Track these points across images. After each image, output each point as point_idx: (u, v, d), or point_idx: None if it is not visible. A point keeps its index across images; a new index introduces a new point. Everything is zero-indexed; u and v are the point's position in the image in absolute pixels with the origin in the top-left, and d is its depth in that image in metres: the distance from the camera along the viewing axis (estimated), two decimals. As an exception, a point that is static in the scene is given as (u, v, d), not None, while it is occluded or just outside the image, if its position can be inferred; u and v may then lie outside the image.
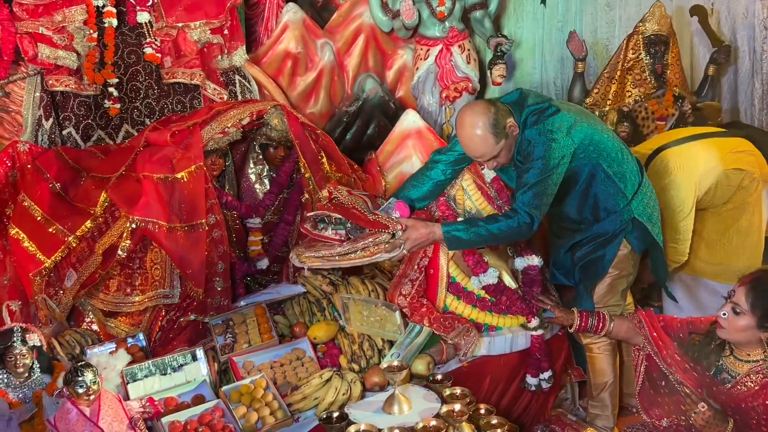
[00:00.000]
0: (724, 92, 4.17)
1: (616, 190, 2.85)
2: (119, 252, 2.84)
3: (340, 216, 2.72)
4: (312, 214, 2.75)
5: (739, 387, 2.33)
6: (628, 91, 3.83)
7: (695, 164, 3.21)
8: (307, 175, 3.20)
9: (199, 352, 2.72)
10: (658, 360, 2.49)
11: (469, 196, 3.14)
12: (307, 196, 3.20)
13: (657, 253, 3.03)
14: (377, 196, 2.95)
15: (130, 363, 2.66)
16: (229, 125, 3.03)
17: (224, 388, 2.61)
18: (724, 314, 2.33)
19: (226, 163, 3.21)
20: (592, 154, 2.78)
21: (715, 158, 3.23)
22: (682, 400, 2.30)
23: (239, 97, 3.77)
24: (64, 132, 3.43)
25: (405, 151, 3.80)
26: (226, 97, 3.68)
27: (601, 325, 2.74)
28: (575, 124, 2.72)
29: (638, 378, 2.61)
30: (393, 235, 2.68)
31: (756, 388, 2.28)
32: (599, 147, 2.79)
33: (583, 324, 2.77)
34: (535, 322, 2.92)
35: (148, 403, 2.50)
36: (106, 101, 3.50)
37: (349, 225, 2.73)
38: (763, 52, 3.97)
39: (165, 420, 2.45)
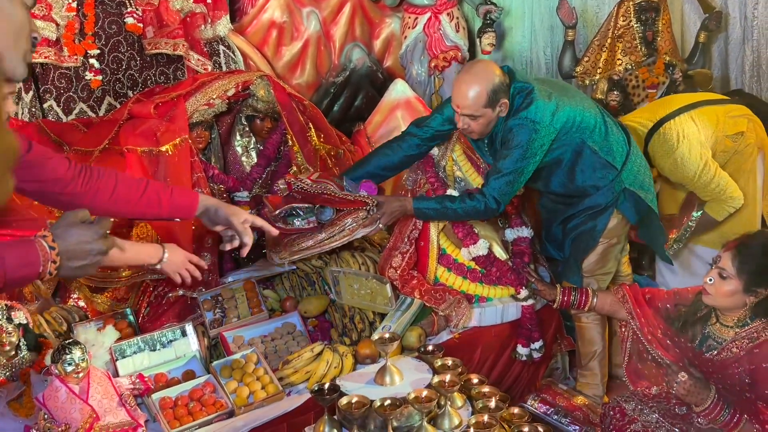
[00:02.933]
0: (715, 59, 4.14)
1: (603, 164, 2.84)
2: (104, 227, 2.80)
3: (307, 205, 2.77)
4: (279, 210, 2.77)
5: (725, 353, 2.35)
6: (618, 59, 3.79)
7: (695, 133, 3.18)
8: (295, 148, 3.15)
9: (189, 328, 2.70)
10: (640, 335, 2.51)
11: (460, 166, 3.12)
12: (294, 168, 3.15)
13: (652, 219, 3.03)
14: (336, 177, 2.97)
15: (119, 339, 2.63)
16: (214, 97, 2.97)
17: (214, 363, 2.59)
18: (711, 280, 2.34)
19: (212, 136, 3.15)
20: (575, 135, 2.77)
21: (712, 125, 3.21)
22: (666, 371, 2.32)
23: (224, 68, 3.71)
24: (45, 105, 3.35)
25: (394, 122, 3.76)
26: (210, 68, 3.62)
27: (584, 300, 2.74)
28: (557, 110, 2.70)
29: (625, 352, 2.62)
30: (368, 212, 2.74)
31: (741, 353, 2.30)
32: (582, 126, 2.78)
33: (565, 299, 2.78)
34: (525, 292, 2.93)
35: (137, 380, 2.48)
36: (87, 73, 3.42)
37: (317, 210, 2.78)
38: (755, 19, 3.92)
39: (155, 396, 2.43)
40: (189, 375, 2.58)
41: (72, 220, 1.62)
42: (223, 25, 3.69)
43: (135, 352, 2.61)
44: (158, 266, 2.27)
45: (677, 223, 3.36)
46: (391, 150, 3.02)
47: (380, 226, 2.79)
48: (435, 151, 3.09)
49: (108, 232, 1.69)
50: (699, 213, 3.28)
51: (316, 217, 2.79)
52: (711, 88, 3.89)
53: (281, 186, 2.92)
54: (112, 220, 1.75)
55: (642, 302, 2.59)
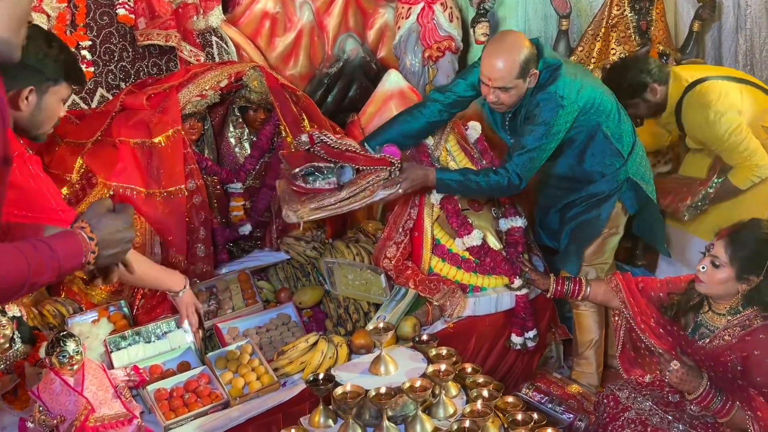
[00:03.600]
0: (708, 48, 4.15)
1: (612, 151, 2.85)
2: (97, 219, 2.79)
3: (328, 164, 2.68)
4: (299, 168, 2.68)
5: (717, 341, 2.36)
6: (612, 49, 3.79)
7: (737, 100, 3.16)
8: (288, 139, 3.14)
9: (184, 319, 2.70)
10: (633, 324, 2.52)
11: (453, 157, 3.12)
12: (291, 138, 3.14)
13: (652, 209, 3.04)
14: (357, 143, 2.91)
15: (113, 332, 2.63)
16: (206, 88, 2.95)
17: (209, 354, 2.59)
18: (704, 268, 2.35)
19: (205, 127, 3.14)
20: (592, 117, 2.77)
21: (756, 109, 3.20)
22: (659, 359, 2.33)
23: (217, 59, 3.69)
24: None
25: (388, 113, 3.73)
26: (203, 59, 3.59)
27: (577, 289, 2.75)
28: (582, 88, 2.71)
29: (618, 340, 2.64)
30: (391, 173, 2.66)
31: (734, 341, 2.32)
32: (599, 109, 2.79)
33: (559, 289, 2.79)
34: (518, 282, 2.93)
35: (132, 372, 2.47)
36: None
37: (337, 171, 2.69)
38: (747, 7, 3.93)
39: (150, 388, 2.43)
40: (184, 366, 2.58)
41: (102, 209, 1.65)
42: (216, 16, 3.66)
43: (130, 344, 2.60)
44: (175, 297, 2.48)
45: (695, 189, 3.29)
46: (412, 116, 2.98)
47: (400, 190, 2.69)
48: (429, 140, 3.09)
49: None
50: (720, 180, 3.22)
51: (337, 179, 2.70)
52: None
53: (303, 139, 2.83)
54: (133, 207, 1.77)
55: (635, 291, 2.60)
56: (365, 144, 2.92)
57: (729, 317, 2.37)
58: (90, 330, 2.57)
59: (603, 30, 3.79)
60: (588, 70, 3.07)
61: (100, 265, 1.64)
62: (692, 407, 2.37)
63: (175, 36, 3.51)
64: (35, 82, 1.90)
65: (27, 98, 1.89)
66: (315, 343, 2.59)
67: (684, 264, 3.50)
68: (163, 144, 2.81)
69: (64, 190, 2.80)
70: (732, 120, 3.10)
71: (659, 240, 3.21)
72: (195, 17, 3.61)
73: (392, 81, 3.79)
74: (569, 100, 2.67)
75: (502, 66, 2.65)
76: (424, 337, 2.58)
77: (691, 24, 3.94)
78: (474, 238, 2.99)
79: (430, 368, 2.29)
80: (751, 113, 3.17)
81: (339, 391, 2.20)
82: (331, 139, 2.79)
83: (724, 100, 3.11)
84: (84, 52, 3.38)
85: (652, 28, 3.76)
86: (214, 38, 3.73)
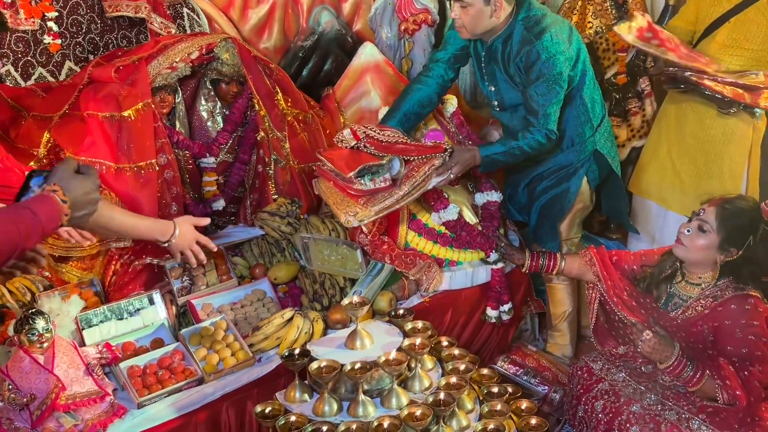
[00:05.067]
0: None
1: (586, 118, 2.86)
2: (66, 195, 2.74)
3: (377, 162, 2.64)
4: (352, 173, 2.63)
5: (689, 312, 2.39)
6: (589, 22, 3.75)
7: None
8: (262, 113, 3.09)
9: (156, 296, 2.66)
10: (607, 297, 2.55)
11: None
12: (262, 134, 3.10)
13: (617, 184, 3.05)
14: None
15: (84, 309, 2.60)
16: (177, 60, 2.89)
17: (183, 331, 2.57)
18: (689, 231, 2.37)
19: (176, 100, 3.07)
20: (579, 70, 2.77)
21: None
22: (631, 330, 2.36)
23: (188, 31, 3.61)
24: (2, 70, 3.23)
25: (363, 87, 3.69)
26: (174, 31, 3.51)
27: (552, 264, 2.77)
28: (572, 33, 2.73)
29: (592, 313, 2.66)
30: (444, 159, 2.65)
31: (706, 311, 2.35)
32: (585, 64, 2.81)
33: (533, 264, 2.81)
34: (494, 256, 2.94)
35: (105, 349, 2.45)
36: (45, 36, 3.30)
37: (387, 166, 2.66)
38: (723, -20, 3.91)
39: (123, 365, 2.41)
40: (157, 343, 2.56)
41: (68, 171, 1.69)
42: (187, -13, 3.59)
43: (101, 321, 2.57)
44: (166, 244, 2.30)
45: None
46: (422, 84, 2.99)
47: (452, 175, 2.69)
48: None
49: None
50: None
51: (390, 174, 2.66)
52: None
53: (345, 136, 2.79)
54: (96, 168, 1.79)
55: (608, 264, 2.62)
56: (387, 125, 2.89)
57: (701, 287, 2.39)
58: (60, 307, 2.53)
59: (580, 3, 3.75)
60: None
61: (71, 225, 1.70)
62: (664, 377, 2.41)
63: (145, 7, 3.42)
64: None
65: None
66: (290, 319, 2.58)
67: (647, 237, 3.53)
68: (132, 117, 2.74)
69: (32, 165, 2.73)
70: None
71: (624, 216, 3.22)
72: (165, -12, 3.52)
73: (367, 54, 3.73)
74: (564, 45, 2.68)
75: None
76: (400, 312, 2.58)
77: (667, -4, 3.92)
78: (450, 213, 2.98)
79: (406, 342, 2.30)
80: None
81: (314, 365, 2.20)
82: (378, 132, 2.76)
83: None
84: (50, 24, 3.28)
85: (629, 0, 3.74)
86: (185, 10, 3.65)
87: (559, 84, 2.69)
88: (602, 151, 2.93)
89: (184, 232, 2.33)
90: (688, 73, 3.09)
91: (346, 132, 2.83)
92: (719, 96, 3.07)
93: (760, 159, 3.33)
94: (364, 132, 2.78)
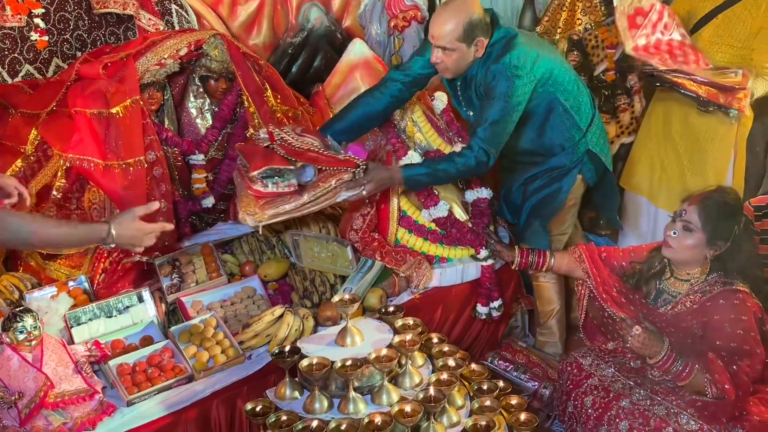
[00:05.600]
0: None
1: (572, 123, 2.85)
2: (54, 192, 2.72)
3: (288, 166, 2.59)
4: (257, 172, 2.58)
5: (679, 307, 2.41)
6: (578, 19, 3.77)
7: None
8: (251, 110, 3.08)
9: (146, 293, 2.65)
10: (596, 293, 2.56)
11: (420, 128, 3.10)
12: (251, 131, 3.09)
13: (609, 179, 3.06)
14: (324, 137, 2.84)
15: (73, 306, 2.58)
16: (165, 56, 2.87)
17: (173, 328, 2.56)
18: (675, 233, 2.38)
19: (165, 97, 3.06)
20: (550, 89, 2.76)
21: None
22: (621, 325, 2.37)
23: (176, 28, 3.59)
24: (-11, 67, 3.21)
25: (353, 83, 3.69)
26: (162, 28, 3.49)
27: (541, 261, 2.78)
28: (538, 58, 2.68)
29: (582, 309, 2.67)
30: (354, 174, 2.60)
31: (695, 306, 2.36)
32: (557, 81, 2.77)
33: (523, 261, 2.82)
34: (484, 252, 2.95)
35: (93, 347, 2.43)
36: (32, 33, 3.27)
37: (298, 170, 2.61)
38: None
39: (112, 363, 2.40)
40: (147, 341, 2.55)
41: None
42: (176, -17, 3.57)
43: (90, 319, 2.57)
44: (111, 245, 2.24)
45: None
46: (373, 98, 2.93)
47: (364, 192, 2.64)
48: (396, 112, 3.06)
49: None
50: None
51: (297, 178, 2.62)
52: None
53: (262, 135, 2.75)
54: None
55: (598, 261, 2.63)
56: (326, 131, 2.86)
57: (691, 283, 2.41)
58: (49, 305, 2.52)
59: (569, 0, 3.77)
60: (545, 42, 3.05)
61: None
62: (653, 372, 2.42)
63: (133, 4, 3.41)
64: None
65: None
66: (281, 316, 2.57)
67: (638, 233, 3.55)
68: (121, 114, 2.73)
69: (19, 163, 2.72)
70: None
71: (613, 211, 3.24)
72: (153, -16, 3.50)
73: (357, 51, 3.73)
74: (525, 70, 2.65)
75: (445, 25, 2.62)
76: (391, 308, 2.57)
77: (657, -6, 3.93)
78: (440, 210, 2.99)
79: (396, 338, 2.29)
80: None
81: (305, 362, 2.19)
82: (293, 137, 2.70)
83: None
84: (37, 20, 3.26)
85: (619, -3, 3.75)
86: (173, 6, 3.63)
87: (511, 106, 2.65)
88: (595, 150, 2.94)
89: (121, 230, 2.20)
90: (663, 71, 3.10)
91: (262, 132, 2.79)
92: (695, 95, 3.08)
93: (747, 152, 3.34)
94: (280, 135, 2.72)
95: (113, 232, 2.19)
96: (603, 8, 3.77)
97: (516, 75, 2.63)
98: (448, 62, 2.70)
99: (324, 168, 2.63)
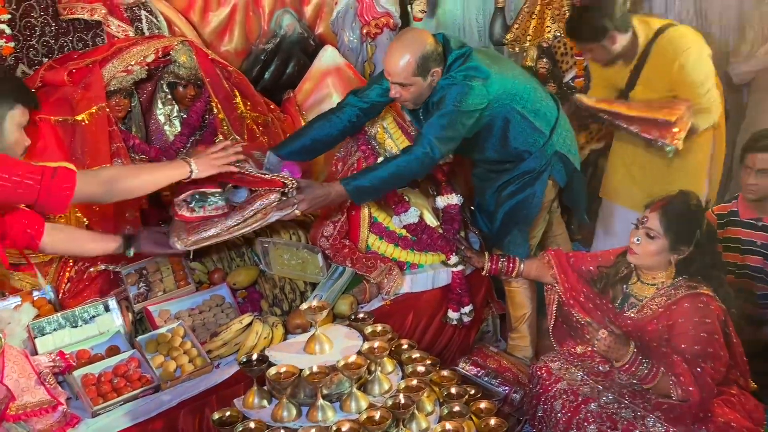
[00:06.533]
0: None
1: (533, 129, 2.86)
2: (18, 201, 2.68)
3: (216, 189, 2.55)
4: (182, 196, 2.54)
5: (645, 311, 2.44)
6: (547, 27, 3.81)
7: (707, 48, 3.15)
8: (220, 116, 3.06)
9: (112, 303, 2.62)
10: (563, 299, 2.58)
11: (390, 134, 3.10)
12: (220, 137, 3.07)
13: (578, 180, 3.08)
14: (252, 154, 2.80)
15: (37, 317, 2.54)
16: (132, 63, 2.85)
17: (139, 338, 2.53)
18: (638, 240, 2.41)
19: (132, 104, 3.03)
20: (505, 101, 2.77)
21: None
22: (587, 329, 2.39)
23: (146, 34, 3.54)
24: (-48, 73, 3.16)
25: (324, 90, 3.69)
26: (132, 34, 3.44)
27: (511, 267, 2.81)
28: (490, 77, 2.69)
29: (551, 314, 2.69)
30: (284, 194, 2.55)
31: (660, 310, 2.39)
32: (511, 93, 2.78)
33: (493, 267, 2.84)
34: (454, 258, 2.96)
35: (58, 357, 2.40)
36: (-3, 39, 3.22)
37: (228, 192, 2.57)
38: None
39: (77, 373, 2.36)
40: (113, 351, 2.52)
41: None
42: (145, -10, 3.53)
43: (55, 329, 2.53)
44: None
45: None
46: (328, 122, 2.92)
47: (297, 211, 2.60)
48: (366, 119, 3.06)
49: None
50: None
51: (228, 199, 2.58)
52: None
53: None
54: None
55: (566, 266, 2.66)
56: (269, 153, 2.83)
57: (657, 287, 2.44)
58: (11, 315, 2.46)
59: (538, 7, 3.81)
60: (501, 57, 3.07)
61: None
62: (621, 376, 2.44)
63: (101, 10, 3.36)
64: None
65: None
66: (249, 324, 2.56)
67: (611, 235, 3.58)
68: (86, 122, 2.71)
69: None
70: (707, 65, 3.12)
71: (582, 209, 3.26)
72: (123, -9, 3.47)
73: (328, 57, 3.73)
74: (477, 81, 2.65)
75: (399, 62, 2.64)
76: (360, 315, 2.57)
77: (623, 2, 3.98)
78: (411, 216, 2.99)
79: (365, 345, 2.29)
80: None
81: (273, 371, 2.18)
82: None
83: (701, 45, 3.11)
84: (2, 26, 3.20)
85: (587, 5, 3.79)
86: (143, 12, 3.58)
87: (461, 111, 2.64)
88: (563, 151, 2.97)
89: (200, 161, 2.44)
90: (591, 107, 3.18)
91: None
92: (629, 130, 3.14)
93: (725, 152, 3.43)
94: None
95: (193, 165, 2.42)
96: (572, 15, 3.81)
97: (468, 85, 2.65)
98: (407, 96, 2.72)
99: (255, 189, 2.58)
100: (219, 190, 2.57)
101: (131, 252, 2.53)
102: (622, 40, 3.13)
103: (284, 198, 2.56)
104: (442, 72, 2.70)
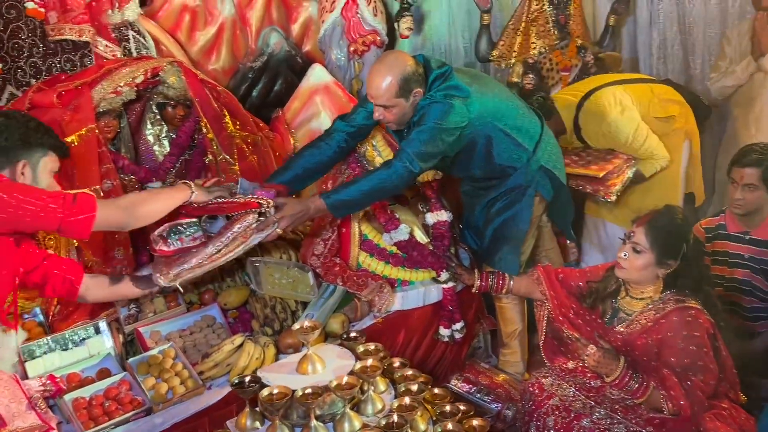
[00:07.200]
0: (624, 42, 4.28)
1: (516, 145, 2.89)
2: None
3: (190, 220, 2.52)
4: (158, 231, 2.50)
5: (634, 325, 2.45)
6: (532, 43, 3.86)
7: (628, 101, 3.29)
8: (210, 136, 3.07)
9: (102, 325, 2.61)
10: (554, 315, 2.60)
11: (380, 152, 3.11)
12: (210, 157, 3.07)
13: (563, 193, 3.11)
14: (228, 186, 2.72)
15: (27, 340, 2.52)
16: (121, 84, 2.85)
17: (131, 360, 2.52)
18: (625, 255, 2.43)
19: (121, 125, 3.03)
20: (486, 119, 2.79)
21: (644, 103, 3.34)
22: (576, 345, 2.40)
23: (134, 54, 3.56)
24: (-61, 95, 3.15)
25: (313, 108, 3.71)
26: (119, 55, 3.46)
27: (501, 283, 2.83)
28: (470, 95, 2.71)
29: (541, 330, 2.70)
30: (261, 214, 2.51)
31: (649, 324, 2.41)
32: (493, 111, 2.81)
33: (483, 284, 2.85)
34: (445, 275, 2.96)
35: (48, 381, 2.38)
36: (-16, 61, 3.22)
37: (205, 222, 2.54)
38: (660, 3, 4.08)
39: (68, 397, 2.35)
40: (104, 373, 2.50)
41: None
42: (132, 10, 3.53)
43: (45, 353, 2.51)
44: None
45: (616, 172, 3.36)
46: (318, 149, 2.92)
47: (278, 230, 2.56)
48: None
49: None
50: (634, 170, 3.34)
51: (205, 230, 2.53)
52: (621, 70, 4.02)
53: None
54: None
55: (555, 283, 2.67)
56: (271, 182, 2.82)
57: (645, 301, 2.46)
58: (1, 339, 2.44)
59: (523, 24, 3.86)
60: (482, 76, 3.11)
61: None
62: (612, 391, 2.45)
63: (89, 31, 3.37)
64: (26, 156, 2.21)
65: (23, 173, 2.20)
66: (241, 345, 2.55)
67: (599, 249, 3.62)
68: (76, 143, 2.71)
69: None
70: (631, 123, 3.26)
71: (567, 225, 3.29)
72: (110, 11, 3.48)
73: (317, 76, 3.75)
74: (457, 100, 2.68)
75: (381, 84, 2.66)
76: (353, 334, 2.57)
77: (607, 18, 4.05)
78: (401, 233, 3.00)
79: (358, 365, 2.29)
80: (642, 109, 3.33)
81: (265, 392, 2.17)
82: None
83: (617, 106, 3.26)
84: (-11, 48, 3.21)
85: (571, 22, 3.85)
86: (131, 32, 3.60)
87: (441, 129, 2.65)
88: (548, 166, 2.99)
89: (196, 187, 2.51)
90: None
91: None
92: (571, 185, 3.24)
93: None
94: None
95: (194, 189, 2.49)
96: (556, 32, 3.87)
97: (450, 104, 2.67)
98: (391, 117, 2.74)
99: (232, 215, 2.55)
100: (195, 220, 2.53)
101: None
102: (552, 123, 3.28)
103: (262, 218, 2.53)
104: (424, 92, 2.72)
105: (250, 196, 2.55)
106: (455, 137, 2.72)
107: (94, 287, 2.45)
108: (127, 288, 2.51)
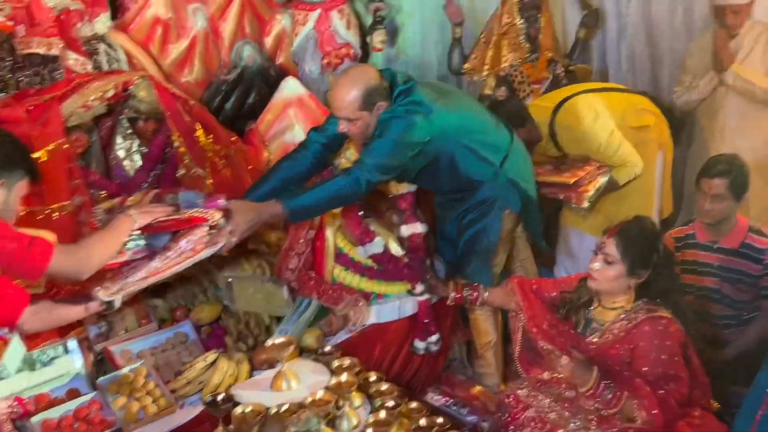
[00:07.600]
0: (594, 55, 4.34)
1: (482, 160, 2.90)
2: (-27, 241, 2.61)
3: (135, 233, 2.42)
4: None
5: (607, 336, 2.47)
6: (504, 56, 3.90)
7: (603, 109, 3.32)
8: (182, 150, 3.05)
9: (72, 344, 2.56)
10: (528, 327, 2.61)
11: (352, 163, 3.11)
12: (183, 170, 3.05)
13: (531, 207, 3.13)
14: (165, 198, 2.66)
15: (-8, 360, 2.46)
16: (92, 98, 2.83)
17: (101, 379, 2.47)
18: (597, 266, 2.45)
19: (92, 139, 3.00)
20: (450, 135, 2.80)
21: (618, 113, 3.37)
22: (550, 356, 2.42)
23: (105, 68, 3.53)
24: None
25: (286, 120, 3.71)
26: (90, 68, 3.43)
27: (475, 295, 2.84)
28: (433, 111, 2.71)
29: (516, 342, 2.71)
30: (211, 228, 2.46)
31: (622, 334, 2.43)
32: (457, 127, 2.81)
33: (458, 296, 2.85)
34: (420, 287, 2.96)
35: (15, 403, 2.33)
36: (-49, 75, 3.16)
37: (147, 236, 2.45)
38: (628, 15, 4.15)
39: (36, 419, 2.30)
40: (73, 393, 2.46)
41: None
42: (103, 23, 3.51)
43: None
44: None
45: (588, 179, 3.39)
46: (295, 161, 2.90)
47: (233, 240, 2.50)
48: (329, 150, 3.06)
49: None
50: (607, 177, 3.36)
51: (148, 244, 2.43)
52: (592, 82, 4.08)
53: (100, 217, 2.67)
54: None
55: (529, 294, 2.69)
56: (248, 197, 2.77)
57: (617, 311, 2.48)
58: (-35, 360, 2.39)
59: (495, 37, 3.90)
60: (451, 91, 3.11)
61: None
62: (587, 401, 2.46)
63: (58, 44, 3.33)
64: (6, 176, 2.15)
65: None
66: (214, 362, 2.52)
67: (574, 260, 3.65)
68: (45, 159, 2.67)
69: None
70: (604, 129, 3.28)
71: (538, 235, 3.31)
72: (80, 24, 3.45)
73: (290, 88, 3.75)
74: (419, 116, 2.66)
75: (345, 97, 2.66)
76: (327, 348, 2.55)
77: (577, 32, 4.11)
78: (376, 246, 2.99)
79: (333, 380, 2.28)
80: (617, 118, 3.37)
81: (238, 410, 2.15)
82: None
83: (591, 113, 3.29)
84: (-44, 62, 3.15)
85: (541, 35, 3.90)
86: (102, 46, 3.57)
87: (401, 143, 2.65)
88: (515, 179, 3.01)
89: (137, 211, 2.43)
90: None
91: (101, 213, 2.72)
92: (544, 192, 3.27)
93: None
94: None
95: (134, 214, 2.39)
96: (527, 45, 3.92)
97: (412, 120, 2.65)
98: (355, 130, 2.73)
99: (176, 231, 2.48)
100: (137, 233, 2.42)
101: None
102: (527, 131, 3.30)
103: (213, 231, 2.45)
104: (387, 106, 2.73)
105: (196, 210, 2.47)
106: (416, 152, 2.72)
107: (32, 316, 2.26)
108: (65, 309, 2.34)
